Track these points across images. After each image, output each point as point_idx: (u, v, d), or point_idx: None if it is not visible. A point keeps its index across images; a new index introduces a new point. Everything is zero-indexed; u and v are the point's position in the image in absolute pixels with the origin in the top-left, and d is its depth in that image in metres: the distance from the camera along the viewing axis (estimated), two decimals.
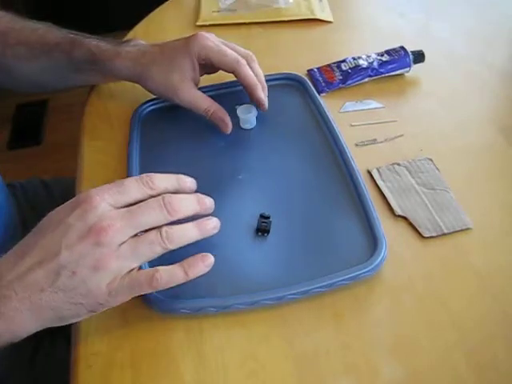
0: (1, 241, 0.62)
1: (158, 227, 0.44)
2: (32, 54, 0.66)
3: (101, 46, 0.65)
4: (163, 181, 0.46)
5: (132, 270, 0.43)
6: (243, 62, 0.62)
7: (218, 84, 0.70)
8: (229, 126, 0.63)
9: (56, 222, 0.43)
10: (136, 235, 0.43)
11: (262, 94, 0.63)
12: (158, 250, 0.44)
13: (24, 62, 0.67)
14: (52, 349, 0.64)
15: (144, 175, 0.46)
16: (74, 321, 0.45)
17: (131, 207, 0.43)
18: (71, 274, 0.41)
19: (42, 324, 0.43)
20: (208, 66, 0.64)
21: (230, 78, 0.66)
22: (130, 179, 0.45)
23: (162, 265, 0.44)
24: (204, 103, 0.63)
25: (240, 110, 0.65)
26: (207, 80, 0.69)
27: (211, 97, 0.65)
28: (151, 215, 0.43)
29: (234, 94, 0.69)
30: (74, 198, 0.44)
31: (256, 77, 0.63)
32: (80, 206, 0.42)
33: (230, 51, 0.62)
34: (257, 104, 0.64)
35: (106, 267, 0.41)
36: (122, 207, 0.43)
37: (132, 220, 0.43)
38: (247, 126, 0.65)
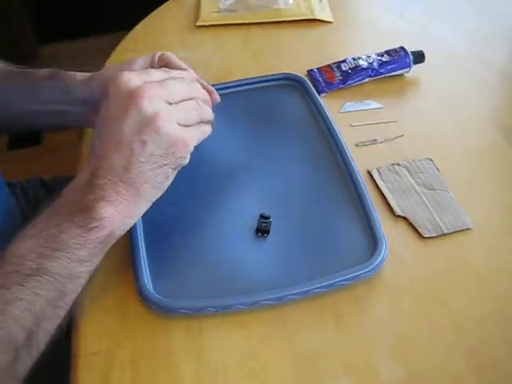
0: (6, 235, 0.62)
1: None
2: None
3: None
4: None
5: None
6: None
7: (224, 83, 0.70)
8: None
9: (103, 111, 0.47)
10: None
11: None
12: (195, 113, 0.49)
13: None
14: (52, 349, 0.64)
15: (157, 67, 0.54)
16: (167, 184, 0.48)
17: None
18: (141, 143, 0.45)
19: (146, 200, 0.47)
20: None
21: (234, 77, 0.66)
22: (150, 69, 0.52)
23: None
24: None
25: None
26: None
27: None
28: (178, 85, 0.48)
29: (240, 92, 0.69)
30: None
31: None
32: (113, 89, 0.46)
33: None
34: None
35: (164, 128, 0.45)
36: None
37: (163, 86, 0.47)
38: None
